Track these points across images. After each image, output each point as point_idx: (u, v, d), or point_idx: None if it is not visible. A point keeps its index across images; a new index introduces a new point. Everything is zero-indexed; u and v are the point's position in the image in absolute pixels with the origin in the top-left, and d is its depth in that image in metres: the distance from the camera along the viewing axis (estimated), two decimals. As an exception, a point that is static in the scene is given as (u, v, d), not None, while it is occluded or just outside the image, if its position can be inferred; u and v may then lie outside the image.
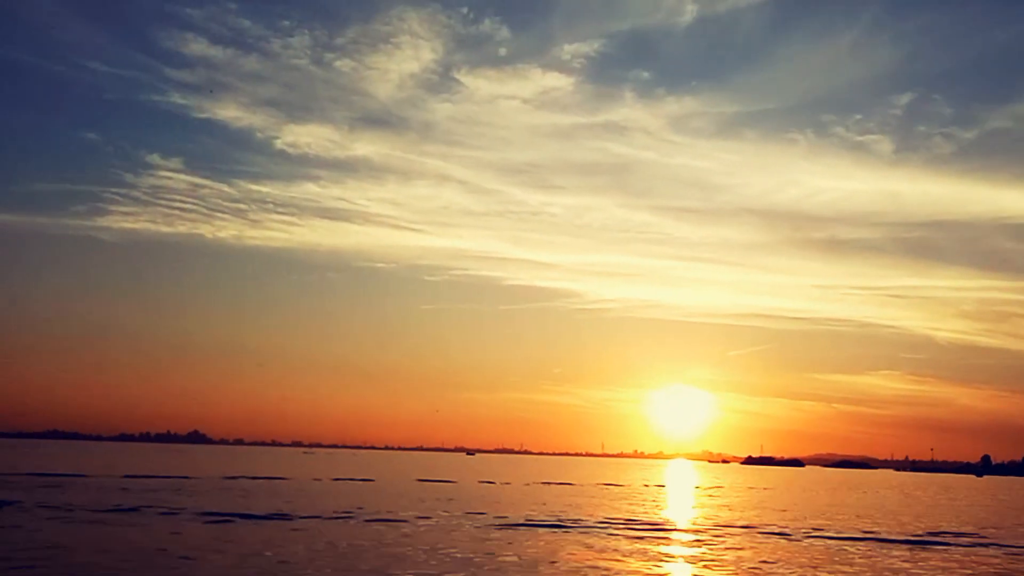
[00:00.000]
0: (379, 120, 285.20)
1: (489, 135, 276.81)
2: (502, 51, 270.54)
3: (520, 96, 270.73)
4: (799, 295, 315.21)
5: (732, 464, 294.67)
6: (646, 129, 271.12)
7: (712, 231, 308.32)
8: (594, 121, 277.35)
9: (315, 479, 57.43)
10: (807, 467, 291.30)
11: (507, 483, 62.65)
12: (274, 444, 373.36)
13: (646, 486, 67.79)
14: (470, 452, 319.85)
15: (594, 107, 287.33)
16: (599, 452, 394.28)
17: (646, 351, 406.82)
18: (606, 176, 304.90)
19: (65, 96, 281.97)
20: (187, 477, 50.68)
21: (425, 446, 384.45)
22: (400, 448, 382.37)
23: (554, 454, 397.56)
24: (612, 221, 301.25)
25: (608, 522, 28.92)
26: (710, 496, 54.38)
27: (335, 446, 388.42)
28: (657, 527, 27.95)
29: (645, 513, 34.56)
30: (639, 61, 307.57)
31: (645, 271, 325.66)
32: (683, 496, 54.18)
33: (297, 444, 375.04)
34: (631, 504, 41.27)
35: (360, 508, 30.61)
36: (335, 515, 27.26)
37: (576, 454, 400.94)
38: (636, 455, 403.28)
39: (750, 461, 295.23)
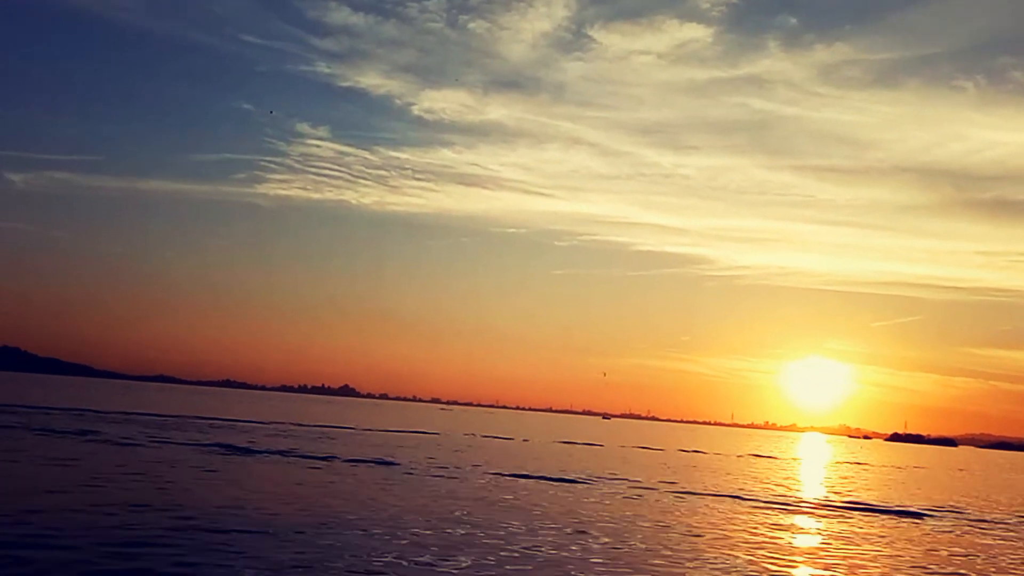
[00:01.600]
0: (512, 82, 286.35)
1: (621, 94, 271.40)
2: (637, 2, 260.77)
3: (654, 50, 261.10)
4: (958, 262, 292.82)
5: (875, 440, 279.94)
6: (791, 81, 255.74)
7: (861, 192, 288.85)
8: (733, 75, 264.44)
9: (466, 434, 60.54)
10: (960, 447, 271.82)
11: (660, 449, 63.54)
12: (415, 400, 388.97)
13: (795, 460, 66.98)
14: (606, 416, 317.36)
15: (734, 59, 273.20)
16: (728, 422, 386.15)
17: (781, 320, 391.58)
18: (745, 134, 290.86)
19: (223, 69, 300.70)
20: (407, 431, 54.27)
21: (554, 408, 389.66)
22: (530, 409, 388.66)
23: (682, 421, 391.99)
24: (749, 182, 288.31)
25: (792, 499, 27.46)
26: (882, 473, 52.63)
27: (469, 404, 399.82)
28: (859, 507, 26.36)
29: (841, 493, 31.88)
30: (784, 5, 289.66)
31: (784, 236, 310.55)
32: (849, 472, 51.75)
33: (435, 400, 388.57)
34: (797, 478, 41.20)
35: (554, 469, 32.55)
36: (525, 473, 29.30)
37: (704, 423, 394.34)
38: (767, 426, 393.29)
39: (896, 438, 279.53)
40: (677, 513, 20.74)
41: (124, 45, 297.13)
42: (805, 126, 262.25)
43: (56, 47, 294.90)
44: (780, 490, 30.99)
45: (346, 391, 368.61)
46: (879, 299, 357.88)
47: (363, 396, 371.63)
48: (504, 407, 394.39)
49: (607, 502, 21.99)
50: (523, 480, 26.43)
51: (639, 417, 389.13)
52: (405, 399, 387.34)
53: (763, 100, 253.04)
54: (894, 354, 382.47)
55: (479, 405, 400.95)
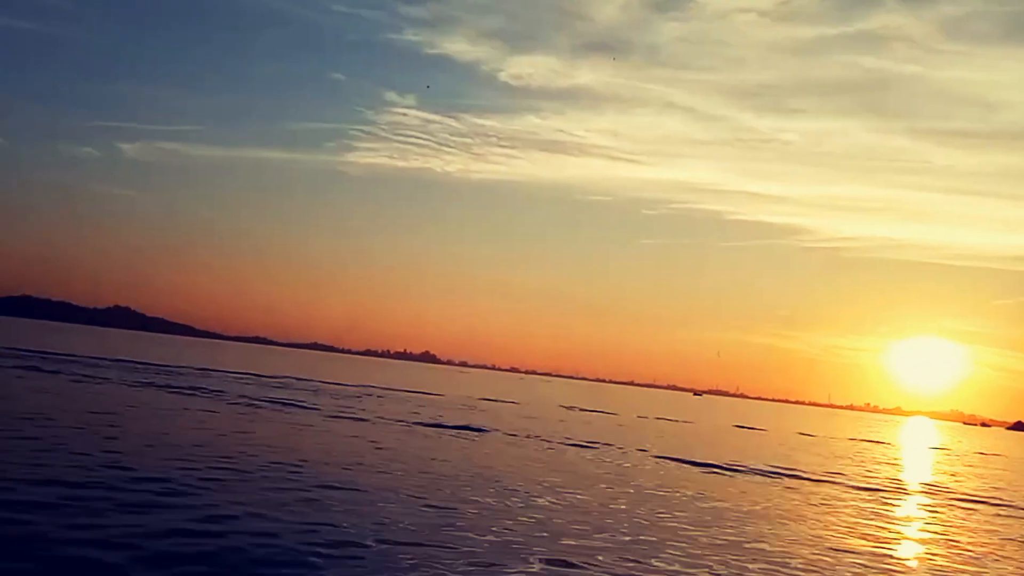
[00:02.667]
0: (602, 45, 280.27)
1: (720, 55, 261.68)
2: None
3: (757, 8, 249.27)
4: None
5: (994, 428, 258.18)
6: (910, 37, 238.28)
7: (987, 158, 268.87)
8: (844, 32, 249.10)
9: (562, 407, 60.46)
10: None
11: (762, 430, 61.94)
12: (493, 368, 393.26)
13: (940, 449, 64.50)
14: (697, 393, 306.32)
15: (845, 15, 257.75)
16: (825, 402, 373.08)
17: (888, 296, 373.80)
18: (855, 95, 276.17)
19: (315, 40, 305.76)
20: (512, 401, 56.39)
21: (636, 381, 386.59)
22: (612, 381, 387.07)
23: (774, 400, 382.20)
24: (858, 147, 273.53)
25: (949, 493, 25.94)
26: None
27: (548, 374, 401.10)
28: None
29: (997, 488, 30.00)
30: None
31: (895, 205, 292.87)
32: (986, 463, 48.15)
33: (513, 370, 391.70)
34: (936, 469, 40.16)
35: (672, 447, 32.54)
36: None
37: (798, 402, 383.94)
38: (869, 408, 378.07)
39: (1020, 427, 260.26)
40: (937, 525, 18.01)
41: (222, 20, 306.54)
42: (924, 86, 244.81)
43: (162, 25, 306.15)
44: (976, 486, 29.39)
45: (427, 357, 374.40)
46: (1003, 275, 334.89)
47: (443, 363, 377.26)
48: (584, 378, 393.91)
49: (834, 503, 19.61)
50: (697, 468, 24.61)
51: (727, 394, 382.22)
52: (484, 367, 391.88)
53: (877, 58, 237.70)
54: (1018, 335, 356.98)
55: (557, 375, 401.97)
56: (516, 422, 36.29)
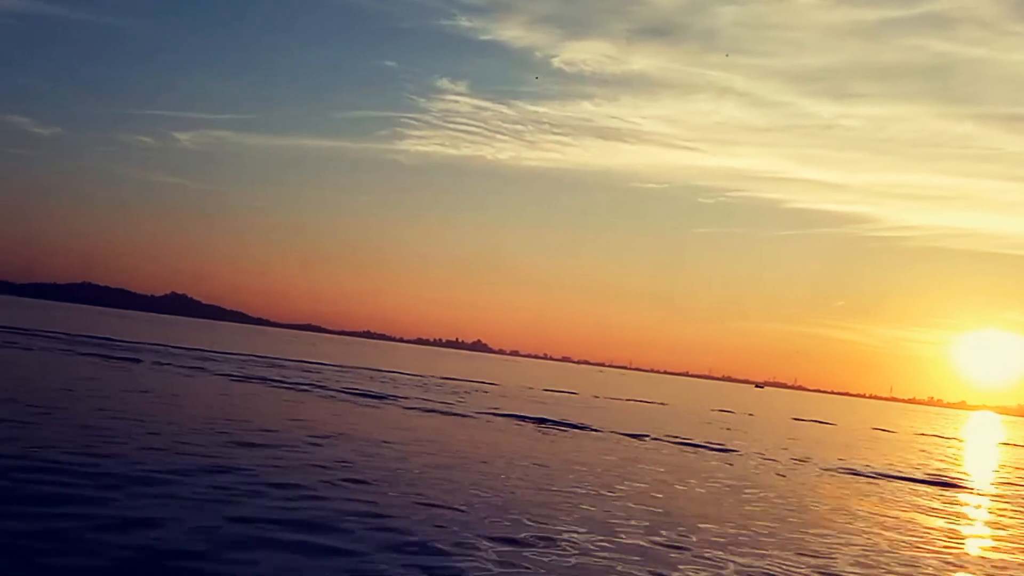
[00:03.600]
0: (657, 30, 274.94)
1: (778, 39, 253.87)
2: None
3: None
4: None
5: None
6: (979, 19, 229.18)
7: None
8: (909, 14, 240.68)
9: (611, 399, 57.28)
10: None
11: (831, 423, 58.27)
12: (546, 358, 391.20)
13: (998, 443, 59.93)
14: (759, 385, 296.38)
15: None
16: (886, 395, 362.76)
17: (953, 288, 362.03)
18: (919, 80, 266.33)
19: (366, 27, 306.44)
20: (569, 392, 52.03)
21: (691, 372, 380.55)
22: (666, 372, 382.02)
23: (834, 393, 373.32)
24: (923, 134, 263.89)
25: None
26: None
27: (601, 364, 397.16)
28: None
29: None
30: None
31: (960, 193, 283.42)
32: None
33: (566, 359, 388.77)
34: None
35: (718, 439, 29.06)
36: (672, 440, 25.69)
37: (859, 395, 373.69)
38: (932, 402, 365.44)
39: None
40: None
41: (274, 8, 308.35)
42: (994, 70, 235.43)
43: (214, 13, 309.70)
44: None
45: (478, 346, 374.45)
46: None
47: (495, 352, 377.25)
48: (638, 369, 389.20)
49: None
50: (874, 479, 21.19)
51: (785, 386, 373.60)
52: (536, 356, 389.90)
53: (944, 41, 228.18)
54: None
55: (611, 366, 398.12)
56: (673, 425, 32.30)
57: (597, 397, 52.97)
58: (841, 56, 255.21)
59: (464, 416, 23.81)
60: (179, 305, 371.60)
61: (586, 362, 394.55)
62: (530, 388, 51.32)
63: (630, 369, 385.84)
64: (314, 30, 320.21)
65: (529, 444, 18.73)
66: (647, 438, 24.28)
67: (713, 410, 54.49)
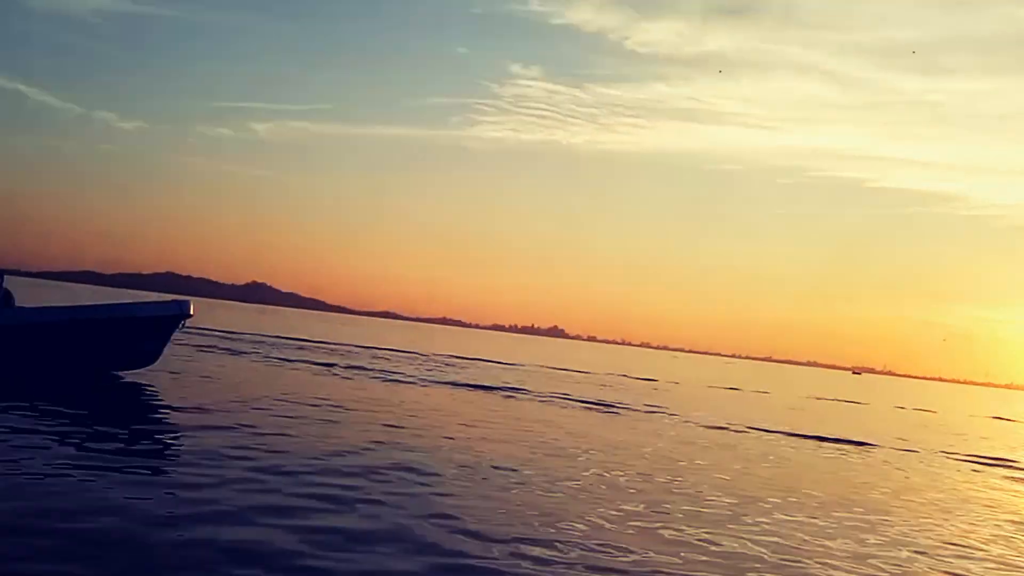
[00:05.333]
0: (734, 8, 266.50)
1: (861, 13, 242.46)
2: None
3: None
4: None
5: None
6: None
7: None
8: None
9: (727, 388, 52.68)
10: None
11: (931, 411, 51.70)
12: (624, 343, 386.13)
13: None
14: (856, 372, 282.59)
15: None
16: (981, 380, 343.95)
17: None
18: (1012, 52, 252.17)
19: (438, 14, 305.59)
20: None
21: (773, 357, 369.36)
22: (746, 357, 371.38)
23: (922, 378, 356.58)
24: (1016, 108, 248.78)
25: None
26: None
27: (680, 350, 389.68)
28: None
29: None
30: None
31: None
32: None
33: (645, 345, 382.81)
34: None
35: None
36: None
37: (952, 381, 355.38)
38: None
39: None
40: None
41: (349, 1, 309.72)
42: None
43: (289, 8, 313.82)
44: None
45: (555, 332, 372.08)
46: None
47: (572, 337, 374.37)
48: (718, 354, 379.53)
49: None
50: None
51: (874, 371, 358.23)
52: (614, 342, 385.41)
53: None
54: None
55: (691, 351, 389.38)
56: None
57: (712, 387, 47.59)
58: (927, 29, 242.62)
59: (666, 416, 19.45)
60: (259, 293, 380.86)
61: (665, 347, 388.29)
62: (654, 380, 46.34)
63: (710, 354, 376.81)
64: (387, 19, 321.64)
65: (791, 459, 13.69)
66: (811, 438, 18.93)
67: (813, 398, 49.37)
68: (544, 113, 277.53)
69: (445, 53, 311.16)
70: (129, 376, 12.71)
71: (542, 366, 44.76)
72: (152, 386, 12.35)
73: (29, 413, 9.10)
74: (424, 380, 22.24)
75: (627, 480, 9.58)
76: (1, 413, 8.82)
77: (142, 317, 11.56)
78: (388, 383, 19.29)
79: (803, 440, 17.89)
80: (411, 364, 30.20)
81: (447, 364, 33.27)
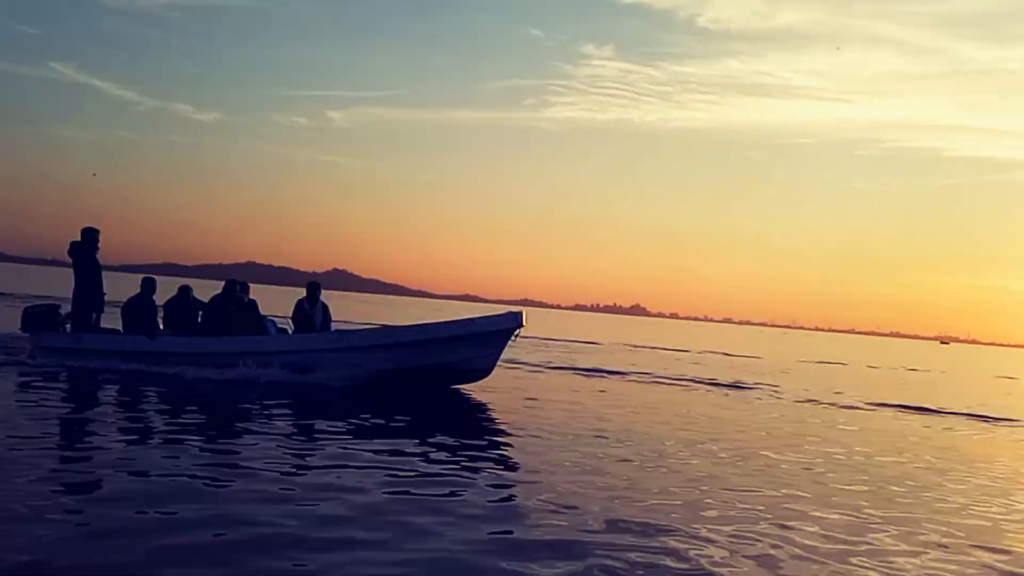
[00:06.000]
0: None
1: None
2: None
3: None
4: None
5: None
6: None
7: None
8: None
9: (801, 360, 50.80)
10: None
11: None
12: (707, 320, 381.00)
13: None
14: (944, 342, 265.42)
15: None
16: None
17: None
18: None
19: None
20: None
21: (856, 329, 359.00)
22: (830, 330, 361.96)
23: (1008, 346, 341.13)
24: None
25: None
26: None
27: (763, 324, 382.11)
28: None
29: None
30: None
31: None
32: None
33: (727, 320, 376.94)
34: None
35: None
36: None
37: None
38: None
39: None
40: None
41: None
42: None
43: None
44: None
45: (637, 310, 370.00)
46: None
47: (654, 315, 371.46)
48: (801, 327, 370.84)
49: None
50: None
51: (959, 340, 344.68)
52: (696, 319, 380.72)
53: None
54: None
55: (773, 326, 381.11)
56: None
57: (846, 364, 44.82)
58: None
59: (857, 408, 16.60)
60: (341, 280, 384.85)
61: (748, 322, 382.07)
62: (803, 360, 43.26)
63: (793, 328, 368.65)
64: (460, 3, 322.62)
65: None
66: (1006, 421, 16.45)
67: (917, 370, 48.35)
68: (617, 92, 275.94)
69: (518, 35, 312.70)
70: (466, 388, 12.63)
71: (656, 347, 41.89)
72: (487, 400, 12.01)
73: (395, 431, 8.99)
74: (567, 368, 20.51)
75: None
76: (372, 434, 8.71)
77: (482, 332, 11.66)
78: (540, 374, 18.45)
79: (963, 419, 16.11)
80: (523, 349, 25.97)
81: (559, 348, 29.36)
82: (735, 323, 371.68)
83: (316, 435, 8.09)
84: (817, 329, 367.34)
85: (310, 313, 12.19)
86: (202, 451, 6.90)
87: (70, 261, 11.80)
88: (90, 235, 11.74)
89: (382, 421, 9.36)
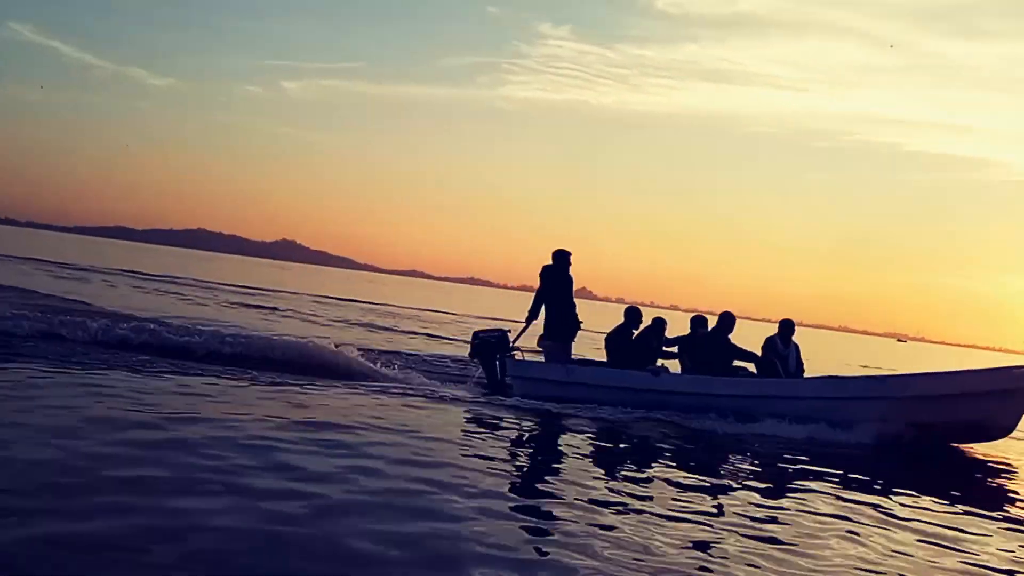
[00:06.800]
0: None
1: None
2: None
3: None
4: None
5: None
6: None
7: None
8: None
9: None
10: None
11: None
12: (652, 305, 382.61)
13: None
14: (900, 340, 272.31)
15: None
16: (1020, 349, 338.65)
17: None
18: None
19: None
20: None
21: (804, 322, 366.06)
22: (773, 321, 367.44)
23: (964, 346, 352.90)
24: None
25: None
26: None
27: (711, 313, 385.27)
28: None
29: None
30: None
31: None
32: None
33: (674, 308, 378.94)
34: None
35: None
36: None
37: (994, 349, 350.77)
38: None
39: None
40: None
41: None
42: None
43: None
44: None
45: (584, 293, 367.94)
46: None
47: (600, 299, 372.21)
48: (748, 318, 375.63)
49: None
50: None
51: (911, 339, 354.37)
52: (642, 304, 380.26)
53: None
54: None
55: (715, 313, 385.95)
56: None
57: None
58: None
59: None
60: (288, 251, 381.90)
61: (695, 311, 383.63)
62: None
63: (739, 318, 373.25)
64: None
65: None
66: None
67: (884, 369, 46.15)
68: (574, 73, 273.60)
69: (475, 12, 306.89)
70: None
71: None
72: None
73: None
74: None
75: None
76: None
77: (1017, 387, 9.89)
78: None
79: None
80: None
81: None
82: (681, 311, 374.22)
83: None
84: (765, 320, 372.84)
85: (784, 353, 10.69)
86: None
87: (535, 285, 11.17)
88: (563, 257, 11.10)
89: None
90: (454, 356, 14.33)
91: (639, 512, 5.43)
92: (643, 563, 4.38)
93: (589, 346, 14.33)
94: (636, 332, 10.88)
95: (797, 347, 10.92)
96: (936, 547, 5.47)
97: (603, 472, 6.80)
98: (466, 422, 8.51)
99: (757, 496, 6.48)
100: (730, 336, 10.68)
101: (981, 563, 5.24)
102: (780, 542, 5.06)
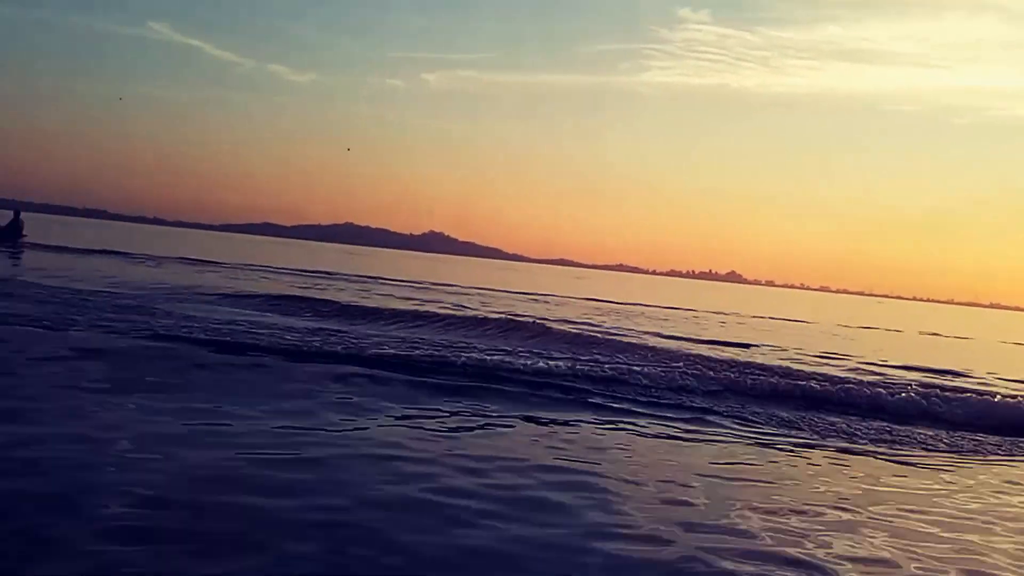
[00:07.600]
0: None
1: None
2: None
3: None
4: None
5: None
6: None
7: None
8: None
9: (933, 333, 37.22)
10: None
11: None
12: (803, 288, 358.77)
13: None
14: None
15: None
16: None
17: None
18: None
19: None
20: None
21: (955, 300, 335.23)
22: (929, 300, 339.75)
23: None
24: None
25: None
26: None
27: (860, 293, 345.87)
28: None
29: None
30: None
31: None
32: None
33: (824, 289, 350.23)
34: None
35: None
36: None
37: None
38: None
39: None
40: None
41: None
42: None
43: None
44: None
45: (733, 277, 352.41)
46: None
47: (750, 282, 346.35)
48: (899, 297, 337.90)
49: None
50: None
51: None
52: (792, 287, 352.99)
53: None
54: None
55: (868, 294, 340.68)
56: None
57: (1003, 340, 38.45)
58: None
59: None
60: (437, 243, 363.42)
61: (845, 291, 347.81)
62: (900, 331, 36.29)
63: (890, 297, 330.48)
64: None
65: None
66: None
67: None
68: (715, 57, 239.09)
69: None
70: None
71: (786, 319, 35.34)
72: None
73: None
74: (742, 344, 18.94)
75: None
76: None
77: None
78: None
79: None
80: (670, 322, 24.57)
81: (704, 320, 28.21)
82: (831, 291, 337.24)
83: None
84: (915, 299, 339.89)
85: None
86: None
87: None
88: None
89: None
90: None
91: None
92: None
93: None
94: None
95: None
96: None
97: None
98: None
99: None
100: None
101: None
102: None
